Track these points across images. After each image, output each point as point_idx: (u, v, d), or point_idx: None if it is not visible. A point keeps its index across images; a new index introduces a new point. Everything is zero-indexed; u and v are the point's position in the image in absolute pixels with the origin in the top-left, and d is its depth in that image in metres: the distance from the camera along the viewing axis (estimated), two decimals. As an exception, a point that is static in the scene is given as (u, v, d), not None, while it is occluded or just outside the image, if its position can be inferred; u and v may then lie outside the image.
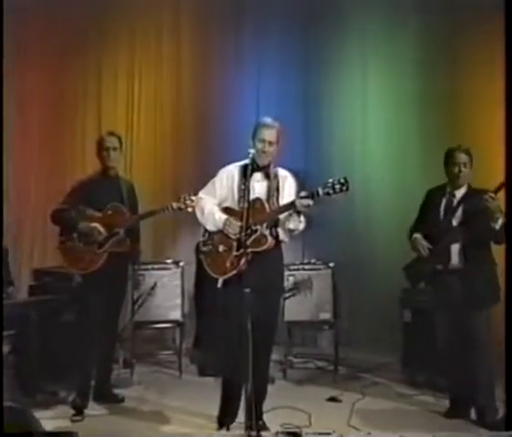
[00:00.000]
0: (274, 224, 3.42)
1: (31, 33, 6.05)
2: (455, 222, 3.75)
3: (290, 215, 3.33)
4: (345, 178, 3.19)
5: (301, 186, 3.57)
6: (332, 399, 4.26)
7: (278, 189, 3.47)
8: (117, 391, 4.29)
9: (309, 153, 6.07)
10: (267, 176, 3.47)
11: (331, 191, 3.19)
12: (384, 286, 5.45)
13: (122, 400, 4.21)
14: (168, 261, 5.08)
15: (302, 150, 5.98)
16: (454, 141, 3.97)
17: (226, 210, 3.48)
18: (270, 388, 3.65)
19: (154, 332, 5.54)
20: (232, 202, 3.48)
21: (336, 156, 5.99)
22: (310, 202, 3.22)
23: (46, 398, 4.08)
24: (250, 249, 3.26)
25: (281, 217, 3.39)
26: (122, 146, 4.27)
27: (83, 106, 6.22)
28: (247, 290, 3.07)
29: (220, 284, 3.41)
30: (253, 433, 3.05)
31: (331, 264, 4.90)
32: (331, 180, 3.19)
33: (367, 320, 5.67)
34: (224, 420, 3.49)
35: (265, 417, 3.56)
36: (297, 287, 4.82)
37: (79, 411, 3.91)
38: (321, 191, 3.21)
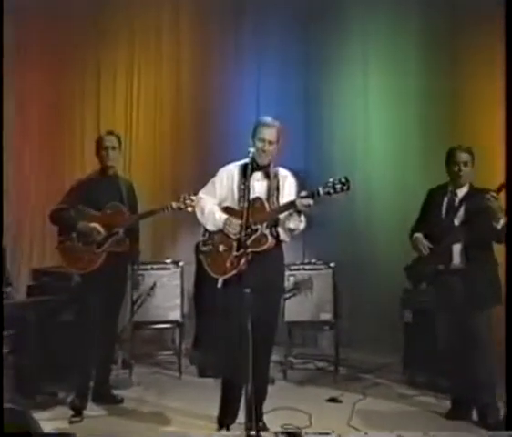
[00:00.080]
0: (274, 223, 3.40)
1: (31, 33, 6.03)
2: (456, 222, 3.73)
3: (290, 214, 3.31)
4: (346, 178, 3.18)
5: (301, 185, 3.55)
6: (333, 399, 4.24)
7: (278, 189, 3.45)
8: (116, 391, 4.27)
9: (309, 152, 6.05)
10: (267, 175, 3.46)
11: (331, 191, 3.18)
12: (384, 286, 5.44)
13: (121, 401, 4.19)
14: (168, 261, 5.05)
15: (302, 149, 5.96)
16: (455, 140, 3.96)
17: (226, 210, 3.47)
18: (270, 388, 3.64)
19: (153, 333, 5.51)
20: (232, 202, 3.47)
21: (337, 155, 5.97)
22: (310, 202, 3.20)
23: (45, 399, 4.06)
24: (250, 249, 3.24)
25: (282, 216, 3.37)
26: (121, 145, 4.26)
27: (82, 105, 6.21)
28: (247, 290, 3.05)
29: (219, 284, 3.40)
30: (253, 434, 3.03)
31: (331, 264, 4.88)
32: (331, 180, 3.18)
33: (368, 320, 5.65)
34: (224, 420, 3.47)
35: (265, 418, 3.55)
36: (297, 287, 4.80)
37: (78, 412, 3.89)
38: (321, 191, 3.19)
